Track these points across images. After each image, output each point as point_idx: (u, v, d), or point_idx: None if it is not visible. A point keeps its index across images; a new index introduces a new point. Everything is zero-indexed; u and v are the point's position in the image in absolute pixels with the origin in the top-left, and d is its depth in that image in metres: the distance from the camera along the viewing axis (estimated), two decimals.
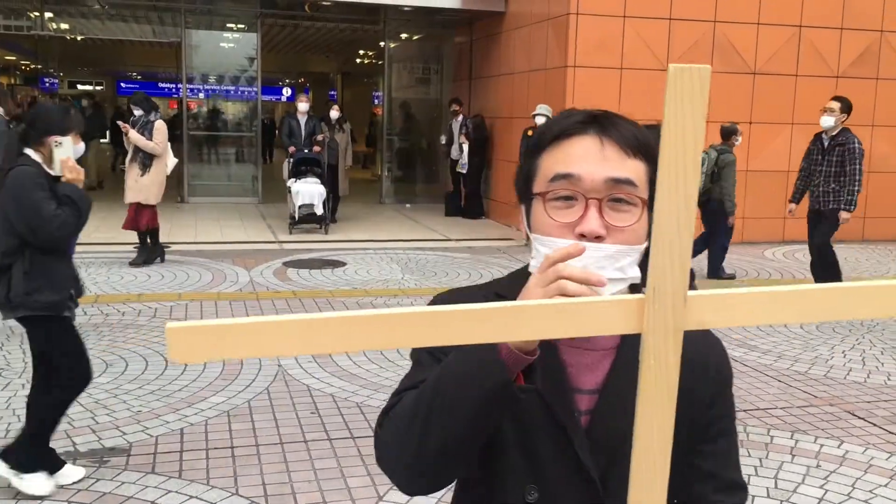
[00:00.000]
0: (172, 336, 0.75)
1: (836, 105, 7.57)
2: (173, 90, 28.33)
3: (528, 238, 1.19)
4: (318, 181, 11.17)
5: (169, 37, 15.22)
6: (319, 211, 11.03)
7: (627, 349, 1.18)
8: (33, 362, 3.76)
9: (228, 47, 15.28)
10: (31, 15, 14.17)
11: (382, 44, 16.18)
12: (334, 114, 12.63)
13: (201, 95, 15.22)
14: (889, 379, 5.59)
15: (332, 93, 29.18)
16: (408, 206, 14.43)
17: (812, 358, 6.04)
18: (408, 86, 16.95)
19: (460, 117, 12.88)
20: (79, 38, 16.82)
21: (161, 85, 31.27)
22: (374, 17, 14.89)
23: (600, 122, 1.14)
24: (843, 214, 7.53)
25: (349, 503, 3.67)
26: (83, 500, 3.60)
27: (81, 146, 3.82)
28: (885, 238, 11.82)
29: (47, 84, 25.01)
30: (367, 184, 17.95)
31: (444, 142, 13.56)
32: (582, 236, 1.08)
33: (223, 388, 5.08)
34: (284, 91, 31.48)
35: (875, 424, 4.74)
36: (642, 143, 1.14)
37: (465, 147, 12.50)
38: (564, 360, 1.18)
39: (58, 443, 4.15)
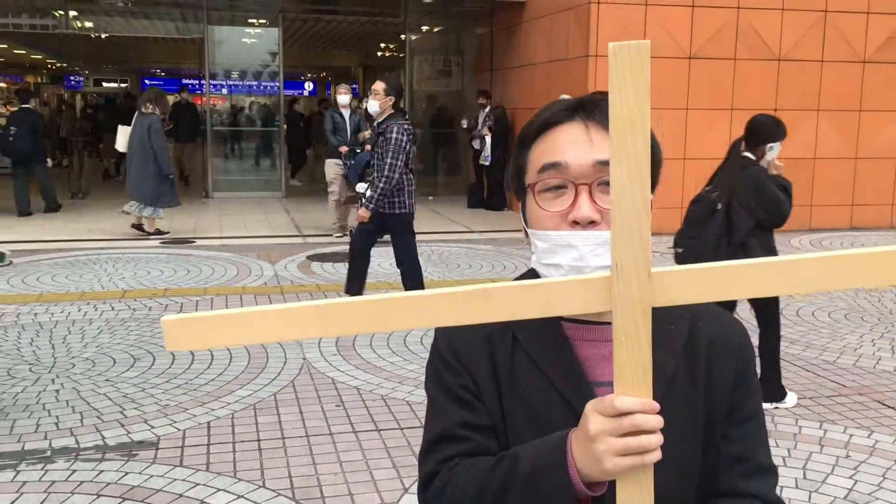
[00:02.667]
0: (168, 327, 0.82)
1: (380, 87, 6.28)
2: (196, 86, 28.54)
3: (526, 235, 1.18)
4: None
5: (192, 33, 15.32)
6: None
7: None
8: None
9: (250, 42, 15.36)
10: (56, 14, 14.32)
11: (403, 36, 16.18)
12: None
13: (224, 91, 15.33)
14: None
15: (355, 86, 29.22)
16: (430, 198, 14.43)
17: (840, 347, 5.98)
18: (429, 78, 16.93)
19: (487, 109, 12.78)
20: (103, 35, 16.98)
21: (185, 81, 31.49)
22: (394, 10, 14.89)
23: (585, 108, 1.13)
24: (362, 212, 6.11)
25: (375, 495, 3.69)
26: (113, 494, 3.64)
27: None
28: (877, 226, 11.66)
29: (73, 82, 25.27)
30: None
31: (465, 126, 13.37)
32: (575, 223, 1.08)
33: (249, 381, 5.11)
34: (307, 85, 31.60)
35: None
36: None
37: (488, 139, 12.46)
38: (579, 355, 1.16)
39: (87, 437, 4.21)
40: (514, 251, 9.57)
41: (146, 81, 32.82)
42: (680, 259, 4.68)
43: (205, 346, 0.84)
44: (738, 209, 4.51)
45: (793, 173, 11.14)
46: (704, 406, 1.17)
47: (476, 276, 8.25)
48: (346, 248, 9.45)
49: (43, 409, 4.61)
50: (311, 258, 8.95)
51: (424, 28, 16.37)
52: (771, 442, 4.13)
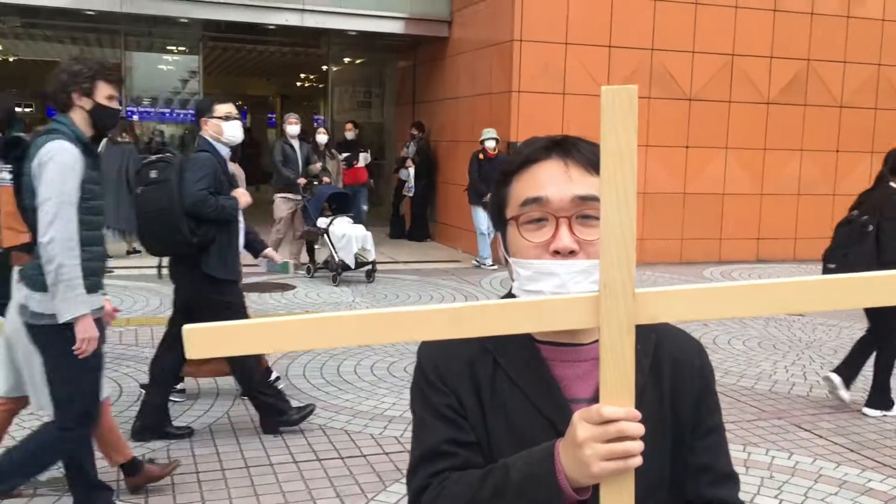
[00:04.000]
0: (189, 335, 0.91)
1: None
2: None
3: (506, 262, 1.28)
4: (353, 220, 9.69)
5: (108, 58, 14.99)
6: (373, 256, 9.60)
7: None
8: None
9: (168, 70, 15.14)
10: None
11: (325, 67, 16.23)
12: (322, 138, 10.70)
13: (136, 118, 15.01)
14: (831, 393, 5.83)
15: (272, 115, 29.04)
16: None
17: (756, 374, 6.27)
18: (349, 109, 17.02)
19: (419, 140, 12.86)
20: (10, 58, 16.44)
21: None
22: (317, 41, 14.94)
23: (562, 146, 1.24)
24: None
25: None
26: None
27: None
28: (815, 258, 12.30)
29: None
30: None
31: (403, 154, 13.05)
32: (556, 253, 1.17)
33: (183, 412, 5.02)
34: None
35: (821, 436, 4.95)
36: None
37: (412, 170, 12.59)
38: (556, 375, 1.24)
39: None
40: (440, 281, 9.67)
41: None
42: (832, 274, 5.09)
43: (229, 353, 0.94)
44: (888, 231, 5.11)
45: (704, 208, 11.73)
46: (671, 421, 1.27)
47: (404, 306, 8.30)
48: (268, 278, 9.39)
49: None
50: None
51: (346, 60, 16.47)
52: None
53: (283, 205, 9.95)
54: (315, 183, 9.82)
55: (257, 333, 0.92)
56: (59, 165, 3.11)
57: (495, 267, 10.60)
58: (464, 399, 1.25)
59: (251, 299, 8.24)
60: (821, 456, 4.63)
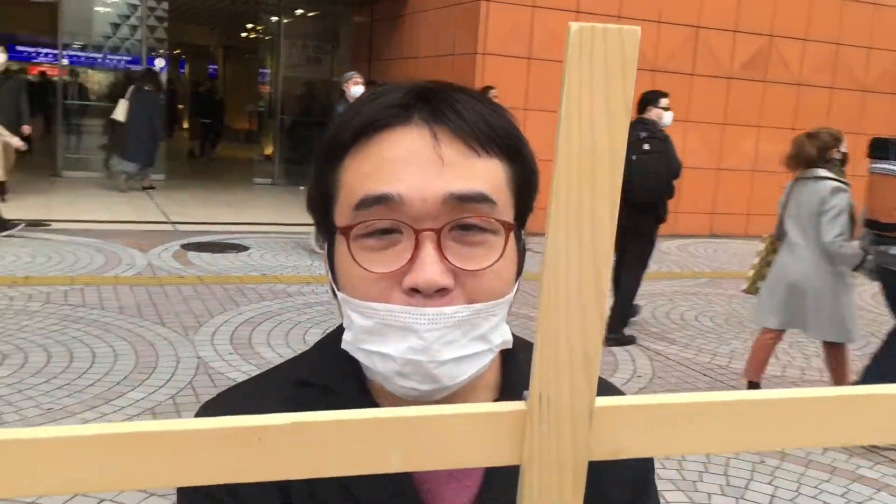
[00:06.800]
0: None
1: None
2: (33, 54, 26.45)
3: (335, 294, 0.78)
4: None
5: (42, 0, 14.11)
6: None
7: None
8: None
9: (107, 12, 14.32)
10: None
11: (275, 18, 15.61)
12: (357, 90, 8.38)
13: (66, 62, 14.18)
14: (804, 373, 5.81)
15: (213, 66, 28.09)
16: (301, 188, 13.99)
17: (729, 352, 6.21)
18: (298, 64, 16.43)
19: None
20: None
21: (19, 48, 29.10)
22: None
23: (431, 103, 0.72)
24: None
25: None
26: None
27: None
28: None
29: None
30: (253, 164, 17.28)
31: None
32: (415, 291, 0.69)
33: (141, 382, 4.68)
34: (157, 62, 30.00)
35: None
36: (499, 130, 0.73)
37: None
38: (414, 477, 0.79)
39: None
40: None
41: None
42: None
43: None
44: None
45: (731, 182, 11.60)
46: None
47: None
48: (220, 237, 8.98)
49: None
50: (186, 247, 8.41)
51: (298, 12, 15.86)
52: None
53: None
54: None
55: None
56: None
57: None
58: None
59: (203, 259, 7.86)
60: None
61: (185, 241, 8.66)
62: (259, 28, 20.21)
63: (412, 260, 0.69)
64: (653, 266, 9.27)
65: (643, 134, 5.97)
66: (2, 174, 9.52)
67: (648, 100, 6.19)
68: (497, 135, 0.72)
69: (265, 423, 0.40)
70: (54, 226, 8.95)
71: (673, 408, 0.47)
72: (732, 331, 6.82)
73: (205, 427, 0.39)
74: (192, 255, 8.08)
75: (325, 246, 0.79)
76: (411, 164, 0.70)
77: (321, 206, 0.78)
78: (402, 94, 0.72)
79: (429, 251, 0.69)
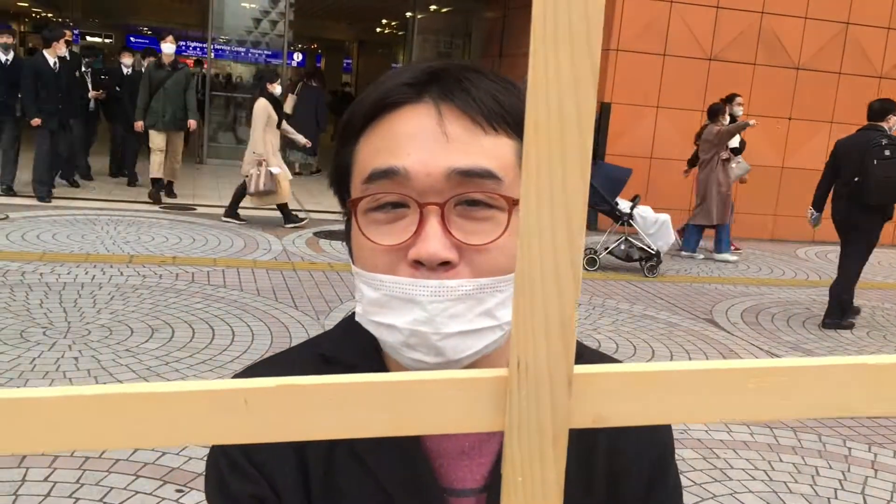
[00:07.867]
0: None
1: None
2: (183, 48, 27.91)
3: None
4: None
5: None
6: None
7: None
8: None
9: (252, 7, 14.97)
10: None
11: (409, 14, 15.89)
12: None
13: (212, 56, 14.90)
14: None
15: (348, 61, 28.88)
16: None
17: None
18: (429, 58, 16.51)
19: None
20: None
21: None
22: None
23: (441, 82, 0.74)
24: None
25: None
26: (151, 475, 3.44)
27: None
28: None
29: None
30: None
31: None
32: (419, 264, 0.71)
33: None
34: (295, 56, 31.11)
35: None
36: (510, 107, 0.74)
37: None
38: (429, 449, 0.80)
39: None
40: None
41: (132, 39, 32.12)
42: None
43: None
44: None
45: (802, 184, 11.19)
46: None
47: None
48: None
49: (64, 376, 4.37)
50: (318, 235, 8.72)
51: (432, 7, 16.09)
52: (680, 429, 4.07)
53: None
54: None
55: None
56: None
57: (701, 257, 9.49)
58: (281, 486, 0.80)
59: (334, 247, 8.11)
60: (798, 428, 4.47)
61: (317, 230, 8.98)
62: (393, 23, 20.64)
63: (417, 233, 0.71)
64: (789, 273, 8.92)
65: (884, 140, 6.39)
66: (170, 173, 10.17)
67: (887, 108, 6.68)
68: (507, 112, 0.74)
69: (251, 385, 0.41)
70: (199, 210, 9.47)
71: (655, 375, 0.47)
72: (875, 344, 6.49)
73: (192, 389, 0.41)
74: (323, 242, 8.38)
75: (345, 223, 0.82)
76: (417, 140, 0.72)
77: (340, 183, 0.80)
78: (416, 74, 0.75)
79: (432, 225, 0.71)
